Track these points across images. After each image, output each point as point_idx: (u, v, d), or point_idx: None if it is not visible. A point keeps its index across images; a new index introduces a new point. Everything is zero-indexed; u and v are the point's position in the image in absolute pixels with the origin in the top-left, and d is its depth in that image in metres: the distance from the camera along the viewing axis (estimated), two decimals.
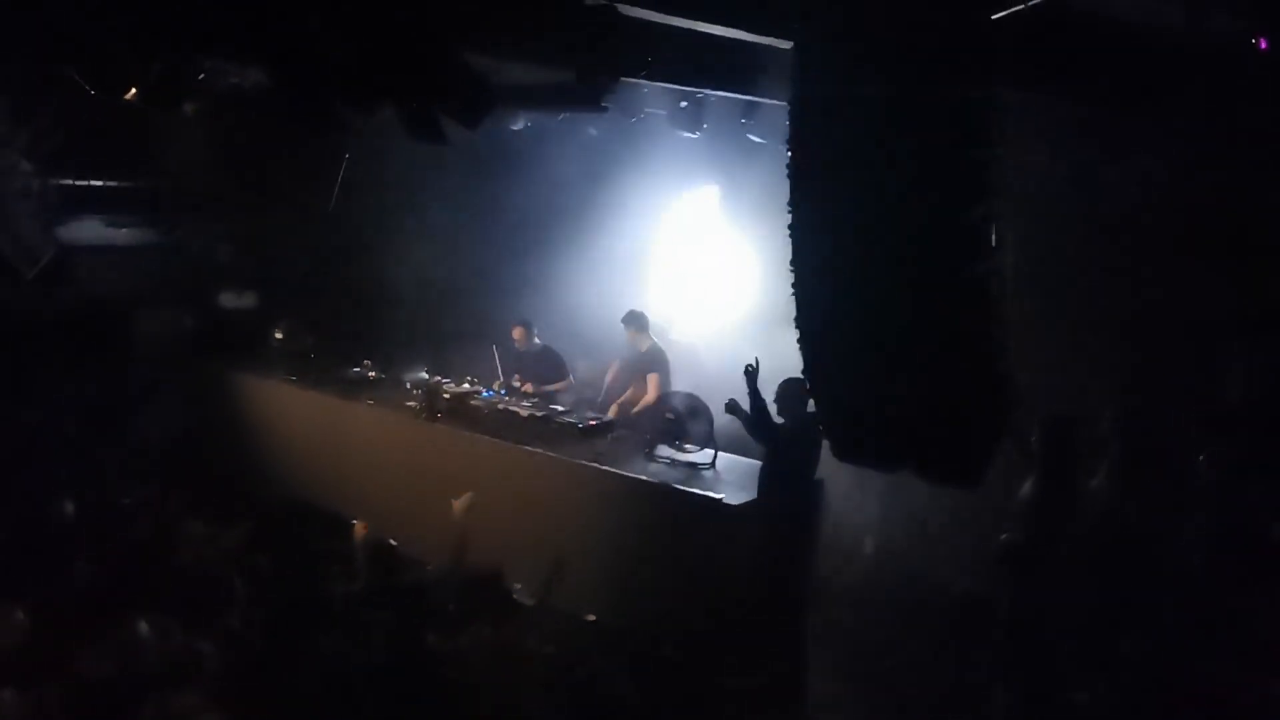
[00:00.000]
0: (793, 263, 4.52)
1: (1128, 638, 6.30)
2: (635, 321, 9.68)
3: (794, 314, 4.56)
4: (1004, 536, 6.60)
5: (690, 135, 9.04)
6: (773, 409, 7.20)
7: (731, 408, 7.38)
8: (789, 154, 4.47)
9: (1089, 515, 6.55)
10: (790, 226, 4.49)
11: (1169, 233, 7.08)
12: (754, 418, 7.17)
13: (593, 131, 10.37)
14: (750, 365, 7.24)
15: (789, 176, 4.48)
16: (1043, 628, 6.33)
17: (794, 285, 4.55)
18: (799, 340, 4.58)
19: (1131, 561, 6.23)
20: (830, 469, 7.36)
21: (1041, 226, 6.54)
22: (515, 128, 10.36)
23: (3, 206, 9.34)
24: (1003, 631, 6.59)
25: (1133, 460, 6.49)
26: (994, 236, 4.18)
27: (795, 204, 4.48)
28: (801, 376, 6.75)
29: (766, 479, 7.26)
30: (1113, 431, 6.63)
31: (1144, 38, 5.84)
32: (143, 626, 5.24)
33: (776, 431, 7.16)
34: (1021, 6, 4.26)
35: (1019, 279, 4.36)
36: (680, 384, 8.98)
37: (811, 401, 6.69)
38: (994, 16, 4.20)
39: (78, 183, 11.33)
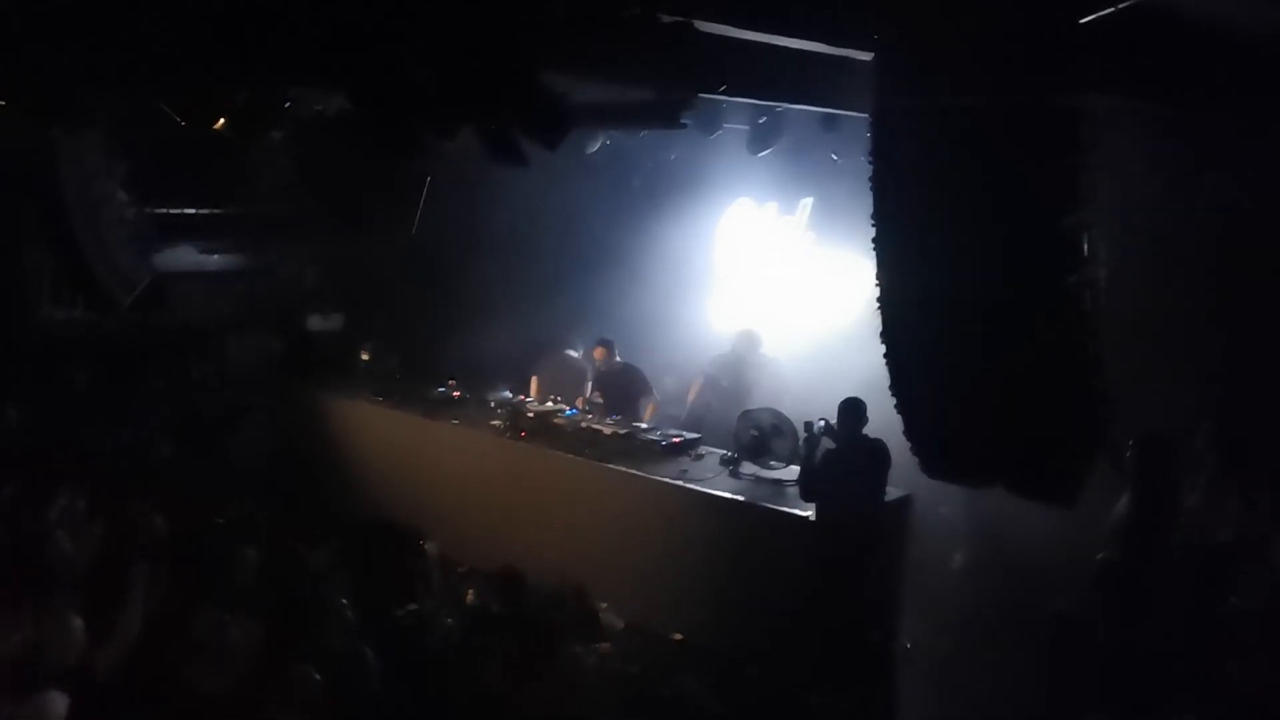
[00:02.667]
0: (878, 277, 4.45)
1: (1234, 661, 6.06)
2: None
3: (880, 329, 4.49)
4: (1100, 556, 6.42)
5: (770, 150, 8.98)
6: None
7: (826, 431, 7.29)
8: (872, 166, 4.41)
9: (1189, 533, 6.35)
10: (875, 240, 4.43)
11: (1267, 241, 6.84)
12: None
13: (672, 156, 10.38)
14: (825, 423, 7.25)
15: (872, 189, 4.41)
16: (1142, 650, 6.13)
17: (879, 299, 4.48)
18: (885, 355, 4.50)
19: (1235, 581, 6.01)
20: (916, 485, 7.25)
21: (1135, 235, 6.36)
22: (593, 147, 10.40)
23: (101, 235, 9.64)
24: (1099, 654, 6.39)
25: (1232, 475, 6.27)
26: (1086, 247, 4.07)
27: (879, 217, 4.42)
28: (859, 397, 6.91)
29: (825, 500, 7.20)
30: (1209, 446, 6.42)
31: (1236, 40, 5.66)
32: (239, 640, 5.34)
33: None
34: (1111, 10, 4.13)
35: (1112, 290, 4.22)
36: (766, 400, 8.91)
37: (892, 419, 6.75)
38: (1083, 20, 4.09)
39: (171, 211, 11.66)
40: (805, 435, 7.40)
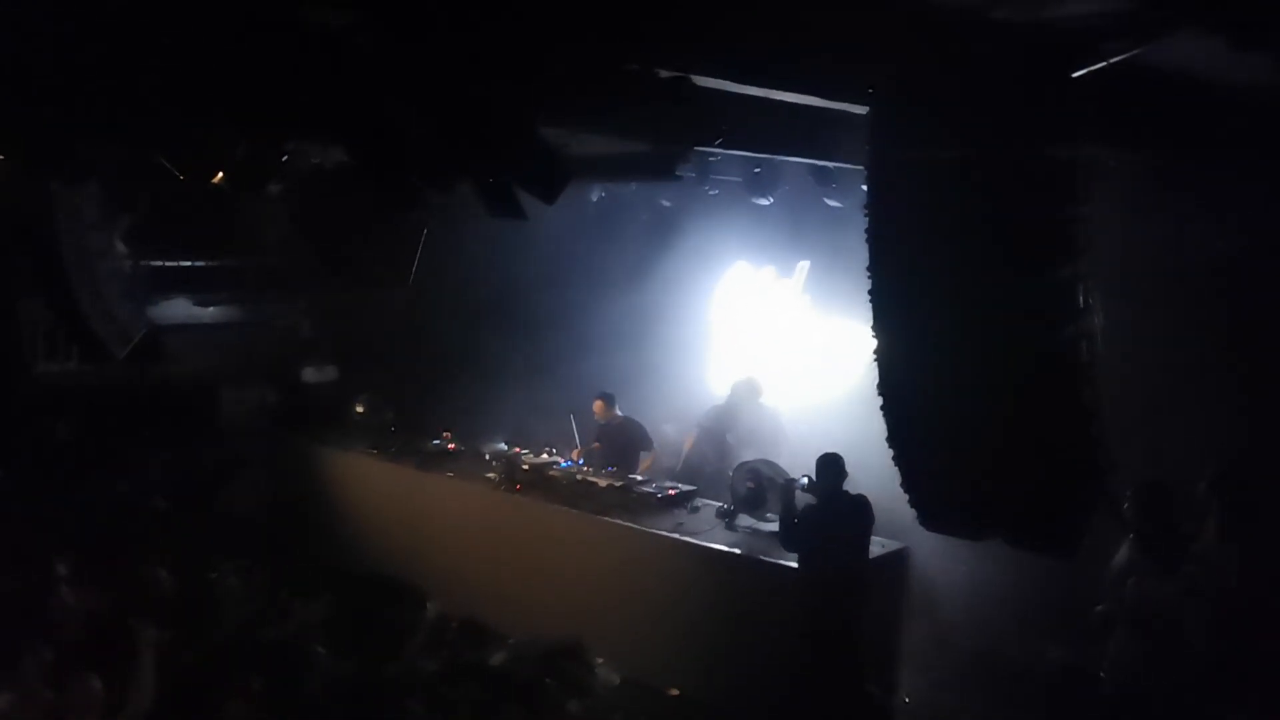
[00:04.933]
0: (874, 328, 4.45)
1: (1242, 713, 5.98)
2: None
3: (876, 381, 4.48)
4: (1100, 607, 6.37)
5: (764, 202, 9.02)
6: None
7: (808, 487, 7.27)
8: (867, 218, 4.42)
9: (1190, 582, 6.29)
10: (871, 292, 4.43)
11: (1265, 286, 6.87)
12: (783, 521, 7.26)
13: (665, 203, 10.44)
14: (808, 479, 7.22)
15: (868, 241, 4.42)
16: (1146, 703, 6.06)
17: (876, 352, 4.47)
18: (882, 407, 4.49)
19: (1240, 632, 5.95)
20: (914, 537, 7.21)
21: (1132, 285, 6.38)
22: (592, 199, 10.45)
23: (97, 288, 9.65)
24: (1103, 706, 6.32)
25: (1234, 524, 6.23)
26: (1082, 297, 4.08)
27: (875, 269, 4.42)
28: (837, 453, 6.94)
29: (806, 554, 7.15)
30: (1211, 494, 6.38)
31: (1228, 89, 5.72)
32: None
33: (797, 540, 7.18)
34: (1104, 63, 4.17)
35: (1110, 340, 4.22)
36: (763, 451, 8.89)
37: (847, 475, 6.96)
38: (1076, 74, 4.13)
39: (167, 264, 11.71)
40: (782, 486, 7.42)
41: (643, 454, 9.95)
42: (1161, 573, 6.22)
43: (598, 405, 10.06)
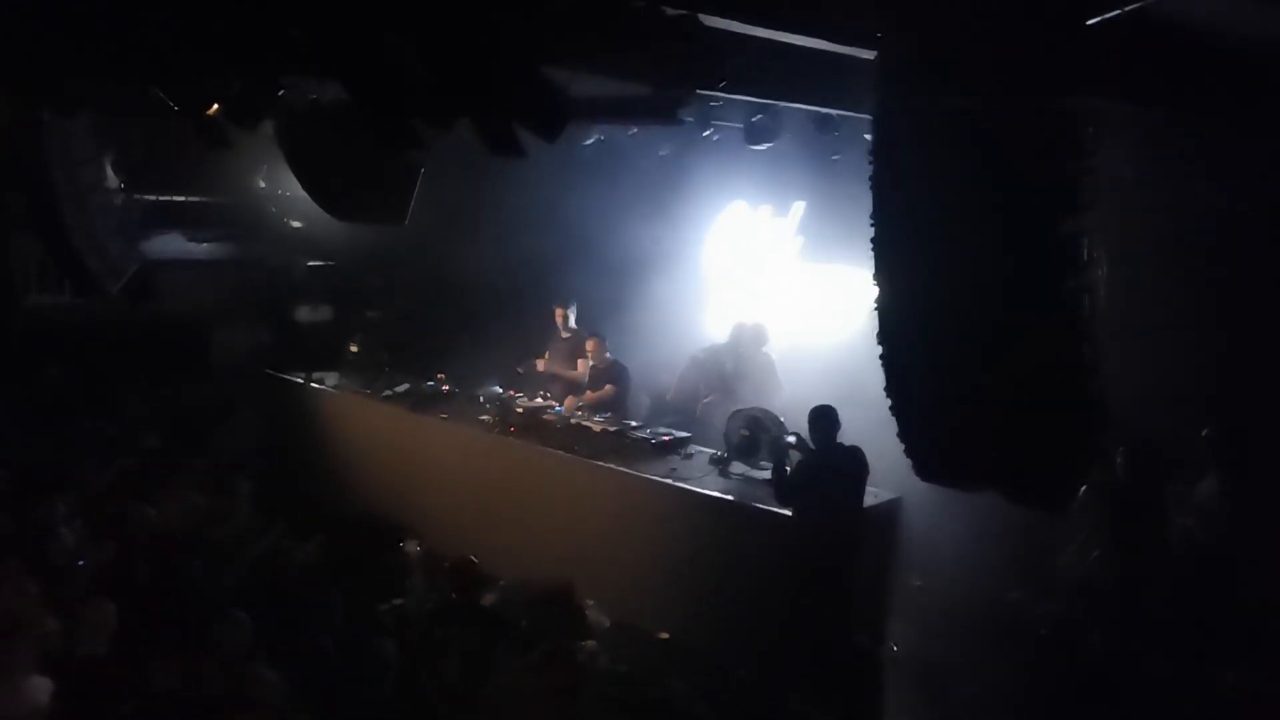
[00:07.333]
0: (875, 277, 4.42)
1: (1231, 669, 6.04)
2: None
3: (876, 330, 4.45)
4: (1091, 558, 6.42)
5: (767, 147, 8.91)
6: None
7: (798, 444, 7.29)
8: (872, 167, 4.37)
9: (1180, 538, 6.33)
10: (873, 240, 4.39)
11: (1265, 245, 6.84)
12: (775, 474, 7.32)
13: (662, 153, 10.35)
14: (796, 437, 7.26)
15: (872, 189, 4.37)
16: (1134, 656, 6.12)
17: (876, 300, 4.44)
18: (881, 356, 4.47)
19: (1230, 586, 6.00)
20: (908, 488, 7.22)
21: (1134, 240, 6.35)
22: (587, 142, 10.34)
23: (89, 222, 9.55)
24: (1088, 660, 6.38)
25: (1230, 480, 6.26)
26: (1085, 252, 4.05)
27: (878, 217, 4.38)
28: (830, 405, 6.96)
29: (801, 507, 7.18)
30: (1208, 450, 6.41)
31: (1240, 45, 5.64)
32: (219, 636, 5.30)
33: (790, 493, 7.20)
34: (1116, 12, 4.11)
35: (1111, 294, 4.19)
36: (763, 400, 8.87)
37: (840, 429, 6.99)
38: (1087, 23, 4.06)
39: (160, 198, 11.58)
40: (773, 440, 7.48)
41: (609, 385, 10.00)
42: (1151, 528, 6.27)
43: (592, 344, 10.09)
